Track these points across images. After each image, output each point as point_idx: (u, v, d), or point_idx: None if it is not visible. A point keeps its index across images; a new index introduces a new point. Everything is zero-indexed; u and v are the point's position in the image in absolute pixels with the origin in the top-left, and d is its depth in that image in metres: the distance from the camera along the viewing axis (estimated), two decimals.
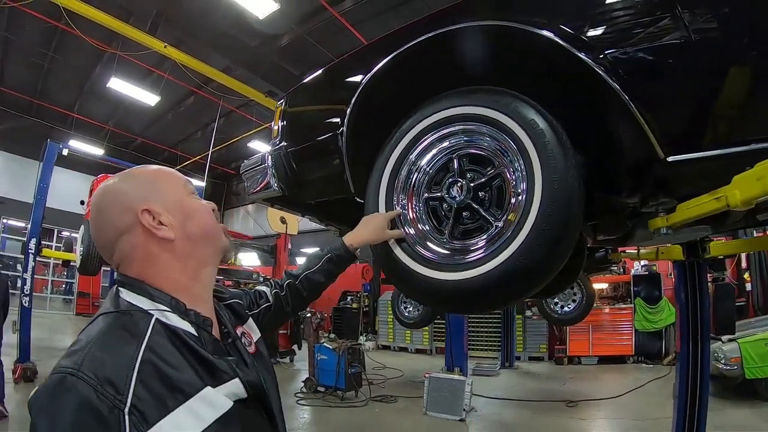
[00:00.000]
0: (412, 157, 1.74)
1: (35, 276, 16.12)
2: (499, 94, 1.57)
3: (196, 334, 0.92)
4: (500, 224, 1.50)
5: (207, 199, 1.17)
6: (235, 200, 23.35)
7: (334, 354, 7.74)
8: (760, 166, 1.19)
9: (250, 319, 1.23)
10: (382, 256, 1.70)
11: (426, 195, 1.73)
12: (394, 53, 1.77)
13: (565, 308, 7.11)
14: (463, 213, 1.63)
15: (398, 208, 1.70)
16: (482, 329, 12.63)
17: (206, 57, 12.05)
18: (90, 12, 10.06)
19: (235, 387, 0.91)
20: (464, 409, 6.28)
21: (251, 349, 1.10)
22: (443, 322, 9.44)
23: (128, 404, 0.74)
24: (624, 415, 6.31)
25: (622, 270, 11.41)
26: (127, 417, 0.73)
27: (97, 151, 16.49)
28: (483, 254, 1.46)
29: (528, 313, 11.89)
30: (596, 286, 10.72)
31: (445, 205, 1.67)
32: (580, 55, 1.40)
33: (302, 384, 8.10)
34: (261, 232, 17.45)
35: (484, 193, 1.61)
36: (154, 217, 0.97)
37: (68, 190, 13.68)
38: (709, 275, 3.98)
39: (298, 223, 12.20)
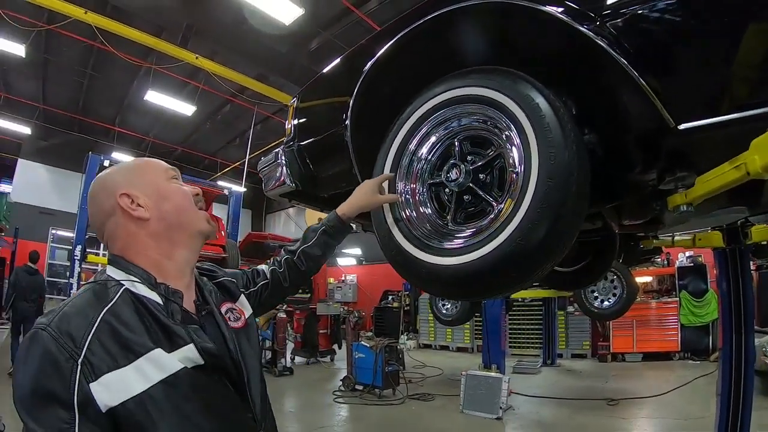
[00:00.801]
0: (412, 145, 1.72)
1: (85, 282, 17.01)
2: (493, 73, 1.51)
3: (161, 303, 1.00)
4: (502, 206, 1.44)
5: (246, 205, 1.26)
6: (275, 204, 23.67)
7: (371, 352, 7.74)
8: None
9: (242, 296, 1.30)
10: (383, 240, 1.68)
11: (429, 181, 1.70)
12: (398, 36, 1.75)
13: (605, 302, 6.90)
14: (465, 197, 1.58)
15: (397, 192, 1.70)
16: (524, 326, 12.43)
17: (239, 65, 12.34)
18: (123, 30, 10.53)
19: (189, 352, 0.96)
20: (501, 408, 6.15)
21: (239, 323, 1.17)
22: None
23: (82, 356, 0.85)
24: (666, 414, 6.04)
25: (666, 262, 10.97)
26: (79, 367, 0.84)
27: None
28: (482, 238, 1.40)
29: (570, 308, 11.59)
30: (640, 279, 10.41)
31: (447, 190, 1.63)
32: (581, 28, 1.34)
33: (340, 382, 8.13)
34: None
35: (485, 175, 1.56)
36: (133, 200, 1.07)
37: None
38: (752, 263, 3.77)
39: None
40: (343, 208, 1.61)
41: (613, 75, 1.35)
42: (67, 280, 9.73)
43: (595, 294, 6.98)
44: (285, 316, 10.05)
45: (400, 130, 1.74)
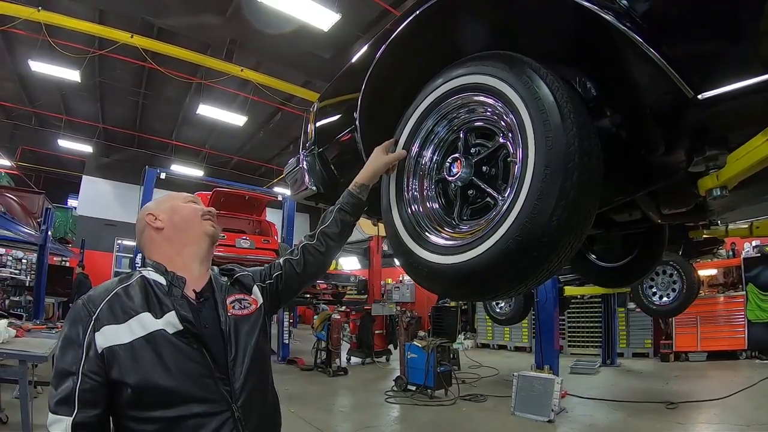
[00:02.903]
0: (418, 141, 1.66)
1: None
2: (490, 58, 1.43)
3: (165, 284, 1.29)
4: (505, 199, 1.34)
5: (303, 210, 1.45)
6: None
7: (423, 352, 7.63)
8: None
9: (255, 287, 1.50)
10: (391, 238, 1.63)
11: (435, 177, 1.64)
12: (408, 20, 1.68)
13: (664, 298, 6.55)
14: (469, 191, 1.50)
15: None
16: (582, 324, 11.98)
17: (284, 74, 12.58)
18: (169, 49, 11.03)
19: (171, 317, 1.22)
20: (553, 410, 5.92)
21: (243, 312, 1.40)
22: None
23: (96, 313, 1.19)
24: (728, 419, 5.59)
25: (731, 253, 10.25)
26: (93, 320, 1.18)
27: (197, 172, 17.77)
28: (480, 235, 1.30)
29: (631, 305, 11.01)
30: (704, 272, 9.82)
31: (452, 186, 1.55)
32: (584, 3, 1.22)
33: (393, 382, 8.08)
34: (359, 237, 17.91)
35: (489, 167, 1.47)
36: (155, 217, 1.42)
37: None
38: None
39: None
40: (356, 179, 1.72)
41: (623, 48, 1.25)
42: None
43: (654, 290, 6.65)
44: (339, 317, 10.12)
45: (404, 129, 1.69)
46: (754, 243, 9.74)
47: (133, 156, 18.59)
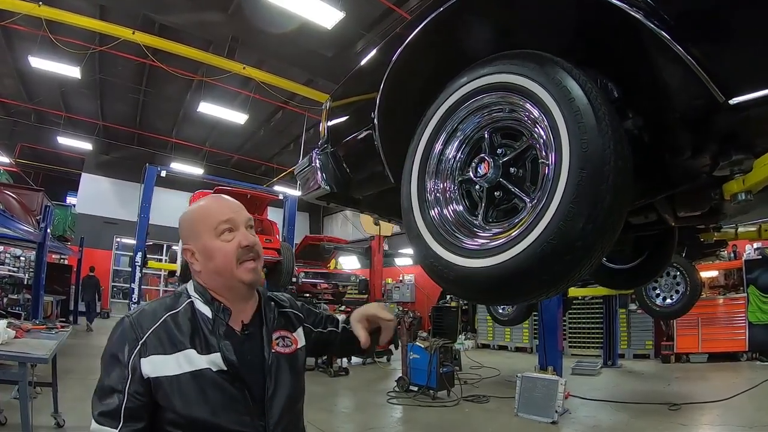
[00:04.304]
0: (439, 144, 1.64)
1: (149, 286, 17.89)
2: (518, 57, 1.41)
3: (210, 317, 1.28)
4: (535, 201, 1.32)
5: (303, 209, 1.44)
6: (333, 207, 23.89)
7: (425, 353, 7.62)
8: None
9: (300, 329, 1.49)
10: (414, 242, 1.61)
11: (459, 178, 1.61)
12: (427, 19, 1.66)
13: (667, 300, 6.56)
14: (495, 193, 1.48)
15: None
16: (583, 325, 12.01)
17: (286, 72, 12.59)
18: (171, 46, 11.02)
19: (216, 358, 1.22)
20: (557, 411, 5.91)
21: (286, 350, 1.39)
22: None
23: (144, 339, 1.20)
24: (730, 421, 5.60)
25: (732, 255, 10.28)
26: (139, 345, 1.19)
27: (197, 170, 17.76)
28: (511, 237, 1.29)
29: (632, 306, 11.02)
30: (705, 274, 9.84)
31: (477, 187, 1.53)
32: (614, 1, 1.20)
33: (395, 383, 8.07)
34: (360, 236, 17.90)
35: (517, 168, 1.45)
36: (193, 253, 1.34)
37: (173, 208, 14.74)
38: None
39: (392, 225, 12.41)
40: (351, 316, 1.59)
41: (652, 48, 1.24)
42: (129, 285, 10.26)
43: (657, 291, 6.66)
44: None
45: (426, 127, 1.67)
46: (755, 245, 9.76)
47: (133, 154, 18.58)
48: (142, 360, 1.18)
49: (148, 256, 9.33)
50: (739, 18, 1.13)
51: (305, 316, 1.55)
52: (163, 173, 10.03)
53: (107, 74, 13.75)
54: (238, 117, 14.67)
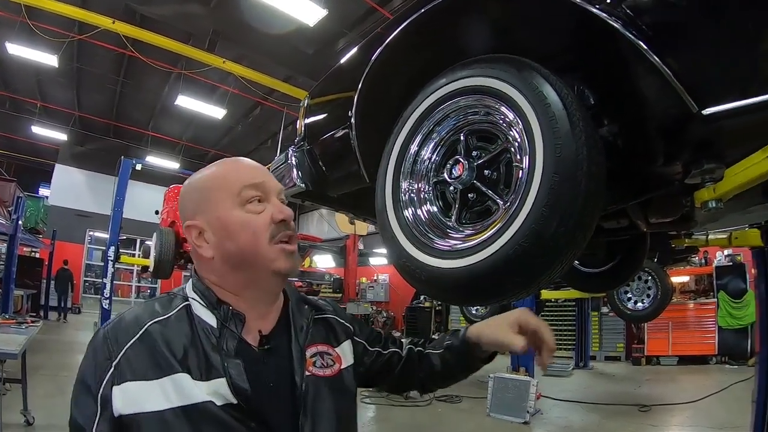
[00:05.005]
0: (414, 145, 1.64)
1: (122, 282, 17.61)
2: (496, 61, 1.41)
3: (215, 326, 0.93)
4: (508, 204, 1.33)
5: None
6: (309, 205, 23.69)
7: None
8: None
9: (348, 343, 1.13)
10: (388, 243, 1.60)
11: (434, 179, 1.61)
12: (404, 24, 1.65)
13: (639, 304, 6.68)
14: (469, 195, 1.48)
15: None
16: (556, 327, 12.12)
17: (266, 68, 12.51)
18: (151, 38, 10.87)
19: (219, 386, 0.87)
20: (529, 412, 6.00)
21: (326, 371, 1.02)
22: None
23: (117, 359, 0.86)
24: (700, 422, 5.77)
25: (703, 261, 10.52)
26: (112, 368, 0.85)
27: (173, 164, 17.51)
28: (484, 239, 1.29)
29: (604, 309, 11.25)
30: (677, 279, 10.07)
31: (451, 188, 1.53)
32: (592, 9, 1.21)
33: None
34: (335, 235, 17.85)
35: (491, 171, 1.45)
36: (200, 232, 0.97)
37: (148, 202, 14.54)
38: None
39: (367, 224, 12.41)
40: (472, 327, 1.23)
41: (630, 58, 1.25)
42: (101, 280, 10.10)
43: (629, 295, 6.78)
44: None
45: (403, 127, 1.66)
46: (726, 252, 9.99)
47: (109, 146, 18.26)
48: (114, 390, 0.84)
49: (121, 250, 9.17)
50: (714, 32, 1.15)
51: (356, 329, 1.18)
52: (139, 166, 9.91)
53: (85, 64, 13.51)
54: (216, 111, 14.57)
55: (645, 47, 1.14)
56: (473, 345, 1.19)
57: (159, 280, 17.37)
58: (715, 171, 1.41)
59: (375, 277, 19.33)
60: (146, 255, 11.51)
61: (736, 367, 9.20)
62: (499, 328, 1.14)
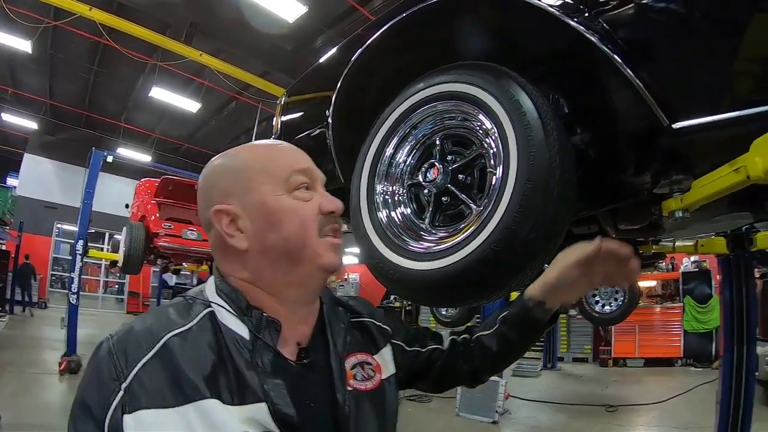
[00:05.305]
0: (390, 147, 1.65)
1: (89, 276, 17.20)
2: (475, 68, 1.44)
3: (247, 338, 0.77)
4: (481, 208, 1.35)
5: None
6: None
7: None
8: None
9: (388, 348, 0.99)
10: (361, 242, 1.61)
11: (409, 182, 1.62)
12: (385, 28, 1.67)
13: (606, 307, 6.81)
14: (443, 198, 1.50)
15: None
16: None
17: (243, 63, 12.37)
18: (128, 27, 10.65)
19: (257, 413, 0.71)
20: (497, 411, 6.07)
21: (367, 385, 0.88)
22: None
23: (127, 381, 0.68)
24: (665, 422, 5.91)
25: (670, 266, 10.82)
26: (121, 392, 0.68)
27: (144, 158, 17.19)
28: (457, 242, 1.31)
29: (572, 312, 11.42)
30: (644, 283, 10.30)
31: (426, 191, 1.55)
32: (571, 22, 1.26)
33: None
34: None
35: (465, 176, 1.48)
36: (232, 219, 0.81)
37: (118, 195, 14.27)
38: (757, 271, 3.67)
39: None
40: (531, 288, 1.08)
41: (605, 71, 1.28)
42: (69, 275, 9.83)
43: (597, 299, 6.89)
44: None
45: (379, 129, 1.67)
46: (692, 258, 10.26)
47: (80, 136, 17.81)
48: (126, 418, 0.67)
49: (89, 244, 8.95)
50: (687, 50, 1.20)
51: (393, 330, 1.03)
52: (110, 158, 9.63)
53: (59, 51, 13.20)
54: (190, 105, 14.42)
55: (619, 61, 1.19)
56: (535, 307, 1.04)
57: (127, 276, 17.07)
58: (683, 182, 1.45)
59: (345, 276, 19.27)
60: (115, 250, 11.31)
61: (700, 369, 9.45)
62: (565, 257, 1.01)
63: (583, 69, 1.42)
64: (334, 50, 2.18)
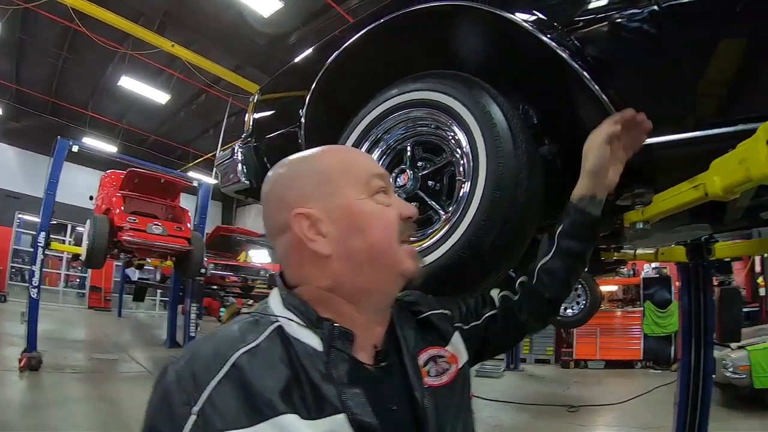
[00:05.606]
0: (364, 148, 1.65)
1: (50, 270, 16.66)
2: (448, 78, 1.47)
3: (320, 350, 0.74)
4: (449, 215, 1.39)
5: (217, 198, 0.97)
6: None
7: None
8: (742, 146, 0.99)
9: (457, 335, 0.95)
10: None
11: None
12: (362, 32, 1.70)
13: (569, 311, 6.92)
14: (412, 204, 1.52)
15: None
16: None
17: (217, 56, 12.18)
18: (100, 13, 10.31)
19: (336, 425, 0.69)
20: None
21: (441, 379, 0.86)
22: None
23: (199, 404, 0.65)
24: (625, 422, 6.06)
25: (632, 272, 11.11)
26: (193, 417, 0.65)
27: (110, 148, 16.68)
28: (423, 247, 1.34)
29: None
30: (606, 288, 10.54)
31: None
32: (543, 38, 1.31)
33: None
34: None
35: (434, 182, 1.51)
36: (312, 223, 0.78)
37: (82, 186, 13.84)
38: (715, 279, 3.80)
39: None
40: (577, 189, 1.11)
41: (574, 86, 1.32)
42: (30, 267, 9.50)
43: None
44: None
45: (352, 132, 1.68)
46: (653, 264, 10.55)
47: (45, 123, 17.15)
48: None
49: (51, 236, 8.69)
50: (654, 70, 1.26)
51: (453, 313, 1.00)
52: (76, 148, 9.33)
53: (28, 34, 12.66)
54: (159, 96, 14.13)
55: (588, 77, 1.24)
56: (588, 204, 1.08)
57: (89, 270, 16.58)
58: (645, 195, 1.51)
59: None
60: (78, 243, 10.99)
61: (659, 371, 9.70)
62: (594, 144, 1.07)
63: (553, 83, 1.46)
64: (310, 50, 2.18)
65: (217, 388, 0.67)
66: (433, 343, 0.90)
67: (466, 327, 0.99)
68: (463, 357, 0.93)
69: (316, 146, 1.64)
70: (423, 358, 0.86)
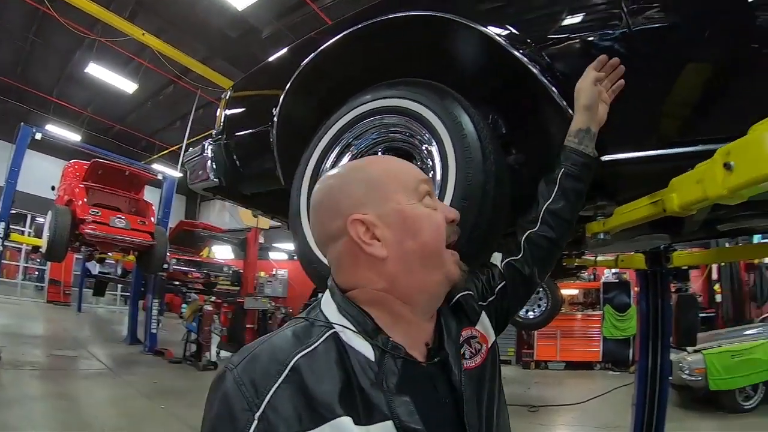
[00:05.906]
0: (333, 154, 1.66)
1: (8, 262, 16.02)
2: (421, 86, 1.48)
3: (373, 359, 0.77)
4: None
5: (181, 191, 0.98)
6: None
7: None
8: (700, 167, 1.05)
9: (484, 315, 0.99)
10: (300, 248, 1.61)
11: None
12: (338, 36, 1.70)
13: (530, 313, 7.04)
14: None
15: None
16: None
17: (186, 46, 11.98)
18: None
19: (385, 430, 0.72)
20: None
21: (476, 360, 0.89)
22: None
23: (261, 409, 0.68)
24: (585, 422, 6.24)
25: (592, 276, 11.44)
26: (255, 422, 0.67)
27: (74, 137, 16.17)
28: None
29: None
30: (567, 292, 10.78)
31: None
32: (515, 52, 1.35)
33: None
34: (236, 226, 17.28)
35: None
36: (368, 228, 0.81)
37: (44, 175, 13.38)
38: (672, 286, 3.93)
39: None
40: (570, 128, 1.23)
41: (542, 100, 1.35)
42: None
43: None
44: (212, 308, 9.65)
45: (324, 135, 1.68)
46: (613, 270, 10.86)
47: (7, 108, 16.47)
48: None
49: (10, 227, 8.40)
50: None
51: (474, 290, 1.03)
52: (39, 135, 9.06)
53: None
54: (127, 85, 13.87)
55: (556, 93, 1.29)
56: (585, 137, 1.21)
57: (48, 263, 16.05)
58: (606, 208, 1.58)
59: (274, 272, 18.90)
60: (38, 234, 10.65)
61: (618, 373, 10.02)
62: (584, 88, 1.21)
63: (522, 96, 1.50)
64: (285, 50, 2.16)
65: (277, 392, 0.69)
66: (467, 323, 0.94)
67: (485, 304, 1.03)
68: (491, 335, 0.98)
69: (288, 146, 1.64)
70: (462, 337, 0.91)
